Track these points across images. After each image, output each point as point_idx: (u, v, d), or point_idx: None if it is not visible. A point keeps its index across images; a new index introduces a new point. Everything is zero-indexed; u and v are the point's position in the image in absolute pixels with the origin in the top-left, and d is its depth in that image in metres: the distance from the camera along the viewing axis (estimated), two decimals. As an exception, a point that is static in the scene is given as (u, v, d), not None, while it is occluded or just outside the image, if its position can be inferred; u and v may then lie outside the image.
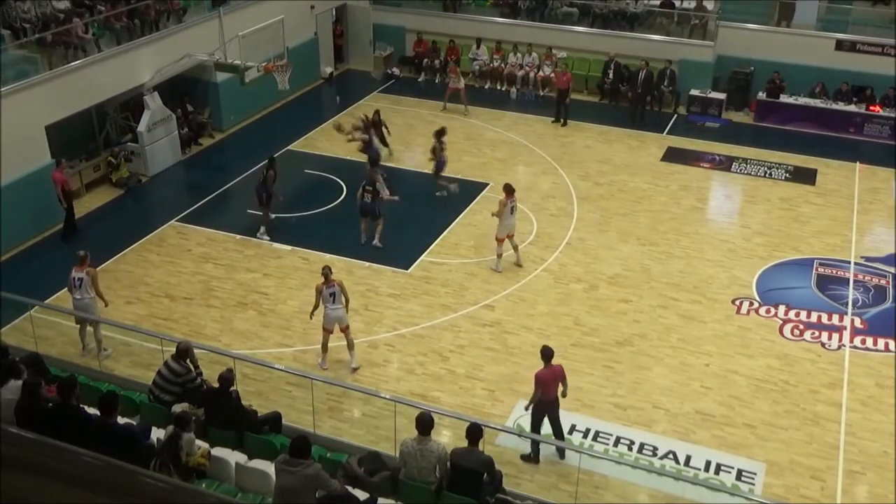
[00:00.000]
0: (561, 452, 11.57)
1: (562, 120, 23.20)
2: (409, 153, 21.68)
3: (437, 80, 26.35)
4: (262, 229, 17.27)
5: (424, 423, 9.21)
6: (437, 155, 19.01)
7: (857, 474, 11.56)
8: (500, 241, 15.97)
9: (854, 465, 11.68)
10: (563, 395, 11.52)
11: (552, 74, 24.53)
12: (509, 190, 15.90)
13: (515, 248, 16.23)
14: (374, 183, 16.76)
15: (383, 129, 20.75)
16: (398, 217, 17.83)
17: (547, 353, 11.39)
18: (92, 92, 18.42)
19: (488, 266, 16.29)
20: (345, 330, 13.22)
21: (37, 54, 17.79)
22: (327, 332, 13.17)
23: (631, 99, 23.88)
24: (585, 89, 25.21)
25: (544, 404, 11.39)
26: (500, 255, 16.08)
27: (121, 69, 19.01)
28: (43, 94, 17.11)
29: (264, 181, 17.09)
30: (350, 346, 13.32)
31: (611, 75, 24.45)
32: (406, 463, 9.24)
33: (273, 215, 17.48)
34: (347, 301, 13.20)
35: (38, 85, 17.04)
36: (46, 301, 14.59)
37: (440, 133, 19.21)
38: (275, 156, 18.07)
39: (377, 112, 20.83)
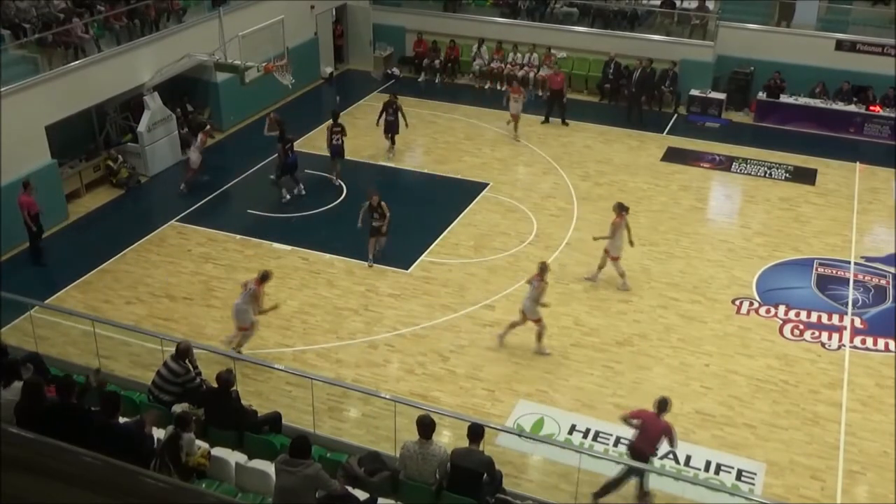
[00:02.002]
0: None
1: (560, 119, 23.13)
2: (409, 153, 21.67)
3: (437, 81, 26.35)
4: (285, 191, 18.58)
5: (426, 427, 9.18)
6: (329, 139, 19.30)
7: (857, 474, 11.56)
8: (615, 259, 15.45)
9: (854, 465, 11.68)
10: (655, 454, 10.69)
11: (546, 75, 24.55)
12: (623, 209, 15.37)
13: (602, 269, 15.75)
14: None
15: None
16: (398, 217, 17.83)
17: (662, 404, 10.46)
18: (92, 92, 18.42)
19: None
20: (531, 320, 13.71)
21: (37, 54, 17.78)
22: (521, 314, 13.79)
23: (627, 98, 23.94)
24: (585, 89, 25.23)
25: (639, 454, 10.52)
26: (622, 274, 15.56)
27: (121, 69, 19.02)
28: (43, 94, 17.11)
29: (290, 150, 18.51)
30: (538, 336, 13.80)
31: (611, 75, 24.47)
32: (406, 466, 9.23)
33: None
34: (539, 299, 13.60)
35: (38, 85, 17.03)
36: (46, 301, 14.59)
37: (335, 116, 19.68)
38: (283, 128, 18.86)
39: (394, 96, 21.25)
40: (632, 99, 23.73)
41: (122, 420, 9.17)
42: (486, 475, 9.33)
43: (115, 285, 15.71)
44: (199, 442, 9.33)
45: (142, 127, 19.65)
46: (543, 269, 13.77)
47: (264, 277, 13.43)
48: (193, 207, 18.67)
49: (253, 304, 13.26)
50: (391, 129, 20.87)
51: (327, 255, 16.65)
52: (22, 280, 15.10)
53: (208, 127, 20.38)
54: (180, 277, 16.00)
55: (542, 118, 23.31)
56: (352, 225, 17.60)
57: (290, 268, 16.31)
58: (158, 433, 9.27)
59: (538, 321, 13.74)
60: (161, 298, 15.34)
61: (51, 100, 17.26)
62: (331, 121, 19.56)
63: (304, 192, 18.92)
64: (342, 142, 19.34)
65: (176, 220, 18.05)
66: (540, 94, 24.90)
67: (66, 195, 18.15)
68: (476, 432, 9.38)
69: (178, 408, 10.12)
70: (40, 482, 1.85)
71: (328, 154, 19.62)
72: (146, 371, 12.29)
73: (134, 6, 19.95)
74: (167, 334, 13.06)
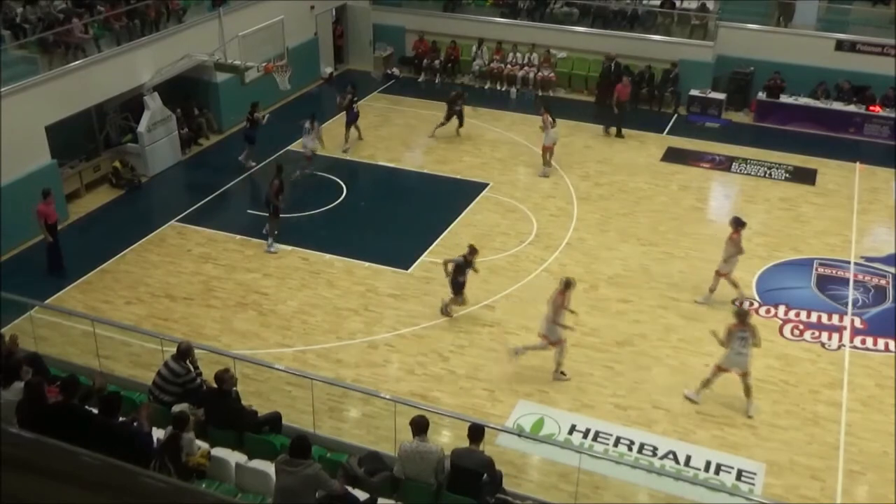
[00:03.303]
0: None
1: (619, 131, 22.46)
2: (409, 153, 21.68)
3: (437, 81, 26.36)
4: (271, 241, 16.86)
5: (419, 425, 9.22)
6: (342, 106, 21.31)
7: (856, 474, 11.56)
8: (722, 275, 14.95)
9: (854, 466, 11.68)
10: None
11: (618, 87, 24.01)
12: (739, 224, 14.79)
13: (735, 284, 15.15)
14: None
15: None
16: (398, 217, 17.88)
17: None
18: (92, 92, 18.42)
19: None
20: (743, 376, 12.46)
21: (37, 55, 17.78)
22: (720, 370, 12.52)
23: (597, 95, 24.23)
24: (585, 89, 25.22)
25: None
26: (737, 287, 15.04)
27: (121, 69, 19.02)
28: (43, 94, 17.11)
29: (271, 189, 16.92)
30: (747, 391, 12.51)
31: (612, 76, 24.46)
32: (404, 466, 9.24)
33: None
34: (757, 345, 12.39)
35: (38, 85, 17.03)
36: (46, 301, 14.59)
37: (352, 91, 21.60)
38: (281, 164, 17.75)
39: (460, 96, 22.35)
40: (598, 95, 24.14)
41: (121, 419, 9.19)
42: (485, 475, 9.34)
43: (115, 285, 15.71)
44: (198, 442, 9.34)
45: (142, 127, 19.65)
46: (743, 315, 12.54)
47: (567, 285, 12.91)
48: (193, 208, 18.67)
49: (557, 314, 12.81)
50: (460, 119, 22.13)
51: (327, 255, 16.65)
52: (22, 280, 15.08)
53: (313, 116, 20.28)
54: (180, 278, 16.00)
55: (614, 131, 22.56)
56: (352, 225, 17.60)
57: (290, 268, 16.31)
58: (158, 433, 9.28)
59: (724, 372, 12.59)
60: (161, 298, 15.34)
61: (51, 100, 17.27)
62: (352, 94, 21.29)
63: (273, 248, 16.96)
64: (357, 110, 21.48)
65: (176, 221, 18.05)
66: (540, 93, 24.87)
67: (66, 195, 18.15)
68: (476, 432, 9.38)
69: (177, 408, 10.13)
70: (40, 482, 1.85)
71: (346, 130, 21.40)
72: (146, 371, 12.29)
73: (134, 6, 19.95)
74: (167, 334, 13.06)
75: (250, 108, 19.93)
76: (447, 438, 11.20)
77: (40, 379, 9.43)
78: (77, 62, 18.04)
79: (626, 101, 22.61)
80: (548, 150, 20.05)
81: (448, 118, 22.02)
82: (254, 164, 20.21)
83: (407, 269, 16.27)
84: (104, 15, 19.41)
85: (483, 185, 19.62)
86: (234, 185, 19.77)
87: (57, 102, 17.41)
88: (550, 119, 19.87)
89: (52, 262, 16.11)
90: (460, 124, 22.24)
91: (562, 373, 13.18)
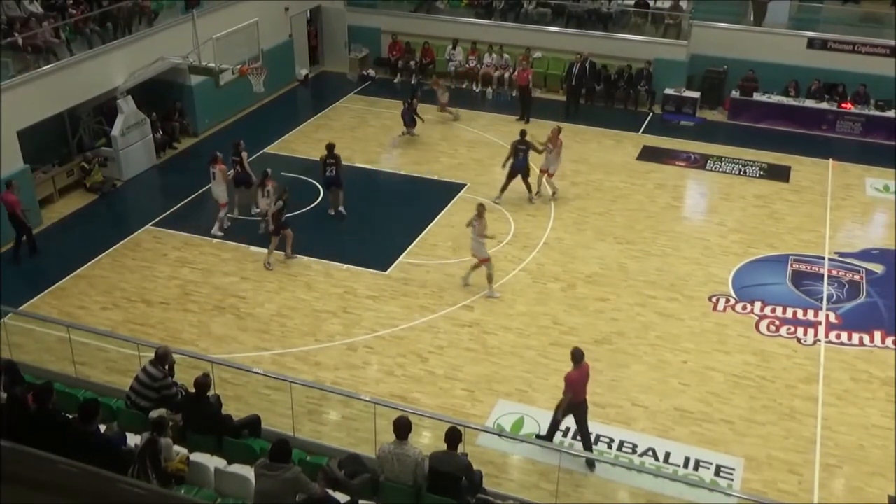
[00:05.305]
0: (591, 465, 11.43)
1: (525, 118, 23.28)
2: (386, 154, 21.65)
3: (413, 82, 26.34)
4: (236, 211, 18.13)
5: (401, 428, 9.19)
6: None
7: (833, 468, 11.68)
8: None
9: (830, 459, 11.80)
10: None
11: (514, 73, 24.69)
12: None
13: None
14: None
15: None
16: (376, 219, 17.84)
17: (577, 355, 11.21)
18: (64, 96, 18.25)
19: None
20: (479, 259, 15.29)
21: (8, 59, 17.58)
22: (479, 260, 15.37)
23: (566, 92, 24.38)
24: (561, 90, 25.27)
25: (573, 406, 11.26)
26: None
27: (93, 73, 18.85)
28: (15, 98, 16.90)
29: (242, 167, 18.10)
30: (488, 278, 15.25)
31: (586, 75, 24.54)
32: (383, 468, 9.23)
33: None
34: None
35: (9, 89, 16.84)
36: (20, 308, 14.41)
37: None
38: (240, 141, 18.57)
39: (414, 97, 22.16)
40: (569, 92, 24.22)
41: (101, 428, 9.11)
42: (464, 479, 9.33)
43: (91, 291, 15.57)
44: (176, 447, 9.27)
45: (115, 131, 19.49)
46: (481, 210, 15.26)
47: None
48: (169, 212, 18.53)
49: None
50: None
51: (305, 258, 16.58)
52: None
53: None
54: (156, 282, 15.88)
55: (517, 117, 23.38)
56: (329, 227, 17.55)
57: (267, 271, 16.22)
58: (135, 439, 9.20)
59: (486, 260, 15.20)
60: (137, 303, 15.22)
61: (23, 104, 17.05)
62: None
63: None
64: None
65: (151, 225, 17.92)
66: (515, 94, 24.91)
67: (39, 201, 17.97)
68: (453, 437, 9.36)
69: (155, 413, 10.06)
70: (23, 492, 1.84)
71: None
72: (123, 377, 12.18)
73: (106, 9, 19.78)
74: (144, 340, 12.95)
75: (234, 147, 18.28)
76: (427, 440, 11.20)
77: (21, 390, 9.31)
78: (49, 66, 17.86)
79: (525, 85, 23.43)
80: (544, 174, 19.08)
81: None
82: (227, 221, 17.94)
83: (385, 270, 16.25)
84: (74, 18, 19.22)
85: (460, 186, 19.63)
86: (210, 189, 19.60)
87: (29, 107, 17.21)
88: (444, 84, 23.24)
89: (30, 247, 16.68)
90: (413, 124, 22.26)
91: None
